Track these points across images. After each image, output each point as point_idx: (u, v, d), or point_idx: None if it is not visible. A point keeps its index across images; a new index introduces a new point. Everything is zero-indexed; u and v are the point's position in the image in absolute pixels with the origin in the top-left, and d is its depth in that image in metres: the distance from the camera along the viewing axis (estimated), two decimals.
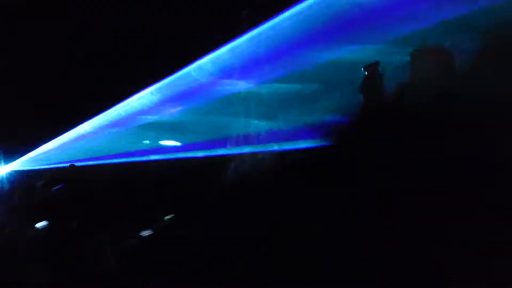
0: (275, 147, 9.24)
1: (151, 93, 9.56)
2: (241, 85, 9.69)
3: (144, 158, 9.55)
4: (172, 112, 9.70)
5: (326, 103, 9.17)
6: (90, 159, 9.22)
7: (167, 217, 8.09)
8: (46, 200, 8.35)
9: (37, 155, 9.40)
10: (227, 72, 9.58)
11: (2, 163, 9.21)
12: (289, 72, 9.47)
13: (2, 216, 8.01)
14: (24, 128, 9.13)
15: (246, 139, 9.54)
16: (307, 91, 9.52)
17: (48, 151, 9.44)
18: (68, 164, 8.99)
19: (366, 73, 8.81)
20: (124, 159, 9.52)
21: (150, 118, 9.74)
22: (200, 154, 9.67)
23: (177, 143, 9.90)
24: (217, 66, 9.56)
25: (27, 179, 9.14)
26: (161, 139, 9.89)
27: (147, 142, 9.90)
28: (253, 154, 9.13)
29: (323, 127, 9.12)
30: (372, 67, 8.79)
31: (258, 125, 9.64)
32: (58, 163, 9.28)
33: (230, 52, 9.47)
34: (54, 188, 8.53)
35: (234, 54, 9.47)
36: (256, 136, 9.53)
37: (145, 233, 7.61)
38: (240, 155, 9.20)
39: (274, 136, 9.37)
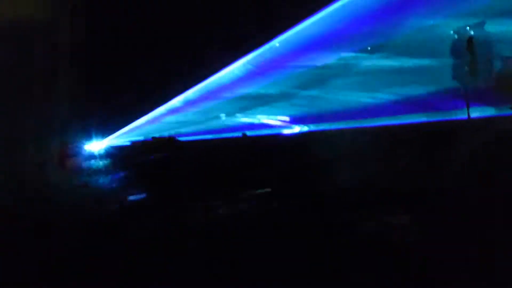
0: (375, 121, 9.08)
1: (243, 65, 9.50)
2: (336, 57, 9.50)
3: (235, 133, 9.52)
4: (265, 84, 9.59)
5: (429, 76, 8.93)
6: (185, 134, 9.27)
7: (261, 191, 8.08)
8: (146, 170, 8.48)
9: (134, 129, 9.52)
10: (321, 42, 9.42)
11: (101, 137, 9.33)
12: (386, 43, 9.24)
13: (106, 187, 8.18)
14: (121, 103, 9.25)
15: (344, 113, 9.37)
16: (408, 64, 9.27)
17: (144, 125, 9.55)
18: (167, 136, 9.06)
19: (472, 33, 8.65)
20: (217, 134, 9.51)
21: (242, 91, 9.66)
22: (295, 128, 9.57)
23: (272, 118, 9.79)
24: (310, 36, 9.36)
25: (126, 151, 9.27)
26: (254, 113, 9.81)
27: (239, 116, 9.85)
28: (351, 130, 8.99)
29: (429, 100, 8.89)
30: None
31: (357, 98, 9.45)
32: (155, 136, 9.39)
33: (324, 21, 9.30)
34: (153, 158, 8.66)
35: (329, 23, 9.26)
36: (354, 110, 9.35)
37: (241, 206, 7.60)
38: (338, 131, 9.09)
39: (374, 110, 9.17)
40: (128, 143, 9.43)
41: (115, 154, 9.26)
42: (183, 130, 9.42)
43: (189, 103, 9.58)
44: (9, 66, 8.75)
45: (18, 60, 8.83)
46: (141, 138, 9.38)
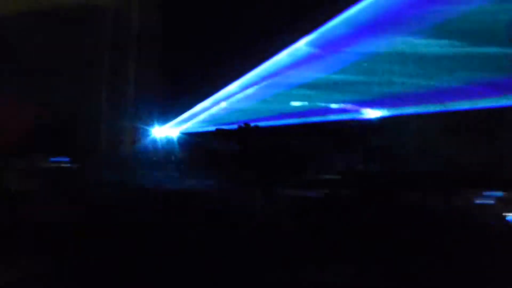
0: (436, 107, 8.97)
1: (304, 48, 9.33)
2: (396, 40, 9.31)
3: (304, 119, 9.41)
4: (329, 70, 9.41)
5: (495, 61, 8.77)
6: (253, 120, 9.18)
7: (331, 177, 8.05)
8: (216, 157, 8.47)
9: (203, 117, 9.46)
10: (382, 24, 9.19)
11: (172, 125, 9.34)
12: (450, 27, 9.04)
13: (177, 172, 8.22)
14: (190, 91, 9.26)
15: (403, 99, 9.24)
16: (471, 50, 9.08)
17: (214, 112, 9.48)
18: (242, 124, 9.02)
19: None
20: (284, 120, 9.42)
21: (306, 76, 9.49)
22: (364, 114, 9.43)
23: (333, 104, 9.64)
24: (369, 17, 9.13)
25: (198, 139, 9.23)
26: (320, 99, 9.66)
27: (302, 102, 9.72)
28: (412, 116, 8.89)
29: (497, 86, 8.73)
30: None
31: (416, 84, 9.30)
32: (226, 123, 9.31)
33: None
34: (227, 145, 8.64)
35: (391, 3, 9.02)
36: (414, 96, 9.21)
37: (313, 193, 7.57)
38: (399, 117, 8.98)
39: (442, 95, 9.02)
40: (205, 130, 9.32)
41: (190, 139, 9.20)
42: (249, 116, 9.33)
43: (251, 89, 9.49)
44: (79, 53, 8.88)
45: (87, 46, 8.94)
46: (208, 124, 9.31)
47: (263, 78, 9.36)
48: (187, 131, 9.29)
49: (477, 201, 6.87)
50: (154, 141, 9.18)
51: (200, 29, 9.20)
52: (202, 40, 9.20)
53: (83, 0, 8.93)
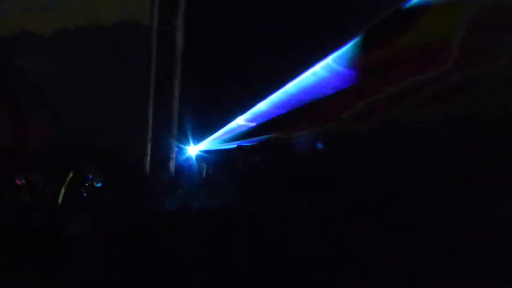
0: None
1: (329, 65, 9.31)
2: None
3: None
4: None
5: None
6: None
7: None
8: (246, 173, 8.57)
9: (225, 133, 9.61)
10: None
11: (194, 143, 9.56)
12: None
13: (204, 193, 8.33)
14: (211, 107, 9.47)
15: None
16: None
17: (237, 128, 9.61)
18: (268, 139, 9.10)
19: None
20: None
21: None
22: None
23: None
24: None
25: (223, 156, 9.37)
26: None
27: None
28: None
29: None
30: None
31: None
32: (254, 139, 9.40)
33: None
34: (255, 161, 8.74)
35: None
36: None
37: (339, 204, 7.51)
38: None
39: None
40: (230, 147, 9.46)
41: (216, 158, 9.36)
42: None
43: (278, 106, 9.52)
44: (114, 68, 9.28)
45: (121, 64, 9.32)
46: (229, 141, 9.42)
47: (290, 96, 9.40)
48: (208, 149, 9.49)
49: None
50: (188, 159, 9.40)
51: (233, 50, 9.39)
52: (233, 60, 9.36)
53: (125, 18, 9.22)
